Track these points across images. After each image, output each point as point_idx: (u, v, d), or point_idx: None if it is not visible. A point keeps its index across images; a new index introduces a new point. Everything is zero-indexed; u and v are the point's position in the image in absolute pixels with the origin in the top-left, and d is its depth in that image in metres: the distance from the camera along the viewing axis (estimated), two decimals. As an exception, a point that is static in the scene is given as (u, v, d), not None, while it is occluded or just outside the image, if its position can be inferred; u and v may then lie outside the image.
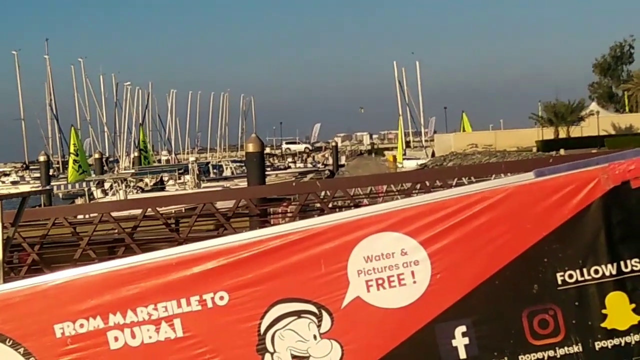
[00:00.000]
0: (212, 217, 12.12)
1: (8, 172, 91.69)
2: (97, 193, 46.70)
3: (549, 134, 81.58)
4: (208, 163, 68.01)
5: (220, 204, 12.72)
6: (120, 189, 42.52)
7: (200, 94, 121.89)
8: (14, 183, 74.92)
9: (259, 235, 4.65)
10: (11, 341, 4.67)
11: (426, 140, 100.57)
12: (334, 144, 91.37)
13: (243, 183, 33.55)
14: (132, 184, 46.03)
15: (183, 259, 4.62)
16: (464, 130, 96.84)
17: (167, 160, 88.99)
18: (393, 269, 4.53)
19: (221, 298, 4.57)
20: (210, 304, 4.57)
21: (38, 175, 60.71)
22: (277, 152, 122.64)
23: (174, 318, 4.59)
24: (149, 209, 11.67)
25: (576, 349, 4.48)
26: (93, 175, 53.87)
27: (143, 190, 45.54)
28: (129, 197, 37.37)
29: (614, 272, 4.50)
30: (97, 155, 62.53)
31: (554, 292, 4.50)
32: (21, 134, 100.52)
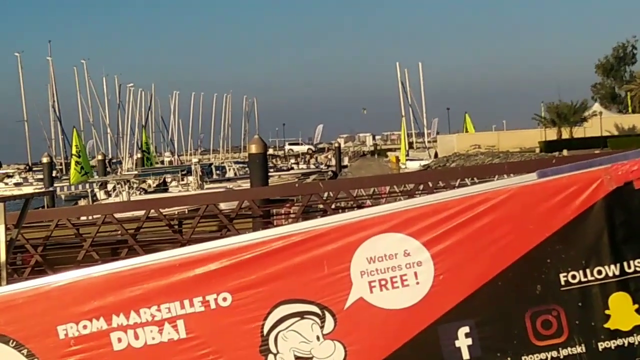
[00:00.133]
0: (215, 218, 12.13)
1: (11, 174, 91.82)
2: (100, 194, 46.71)
3: (551, 134, 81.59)
4: (211, 164, 68.17)
5: (223, 205, 12.74)
6: (123, 191, 42.58)
7: (202, 95, 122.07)
8: (17, 185, 75.08)
9: (262, 237, 4.65)
10: (14, 342, 4.67)
11: (429, 141, 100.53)
12: (336, 145, 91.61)
13: (246, 184, 33.55)
14: (135, 186, 46.10)
15: (186, 260, 4.62)
16: (466, 131, 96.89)
17: (170, 162, 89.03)
18: (396, 269, 4.53)
19: (224, 299, 4.57)
20: (213, 305, 4.57)
21: (41, 176, 60.81)
22: (280, 153, 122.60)
23: (177, 319, 4.59)
24: (152, 210, 11.68)
25: (579, 349, 4.48)
26: (96, 177, 53.93)
27: (146, 192, 45.57)
28: (132, 198, 37.44)
29: (617, 273, 4.49)
30: (100, 157, 62.61)
31: (557, 292, 4.50)
32: (24, 135, 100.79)
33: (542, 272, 4.50)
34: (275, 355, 4.56)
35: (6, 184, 78.90)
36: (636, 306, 4.49)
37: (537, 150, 74.36)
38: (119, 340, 4.60)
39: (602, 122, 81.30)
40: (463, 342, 4.50)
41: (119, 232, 11.87)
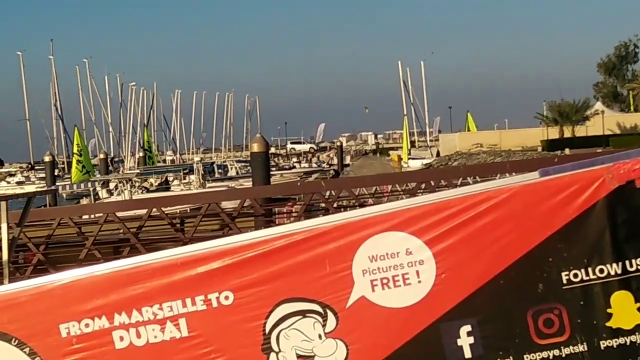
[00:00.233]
0: (217, 217, 12.12)
1: (13, 173, 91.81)
2: (102, 193, 46.73)
3: (554, 133, 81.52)
4: (213, 163, 68.11)
5: (225, 204, 12.74)
6: (125, 189, 42.57)
7: (205, 94, 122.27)
8: (19, 183, 75.13)
9: (264, 235, 4.65)
10: (17, 341, 4.67)
11: (431, 140, 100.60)
12: (338, 143, 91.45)
13: (248, 183, 33.61)
14: (137, 184, 46.10)
15: (188, 258, 4.62)
16: (468, 130, 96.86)
17: (172, 161, 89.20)
18: (398, 268, 4.53)
19: (226, 298, 4.57)
20: (215, 304, 4.58)
21: (43, 175, 60.79)
22: (282, 152, 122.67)
23: (179, 318, 4.59)
24: (154, 209, 11.67)
25: (581, 348, 4.48)
26: (98, 176, 53.95)
27: (148, 191, 45.59)
28: (134, 197, 37.39)
29: (619, 272, 4.49)
30: (102, 156, 62.72)
31: (559, 291, 4.50)
32: (26, 134, 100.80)
33: (544, 270, 4.50)
34: (277, 353, 4.57)
35: (8, 182, 78.94)
36: (638, 305, 4.49)
37: (539, 149, 74.29)
38: (121, 338, 4.61)
39: (604, 121, 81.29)
40: (465, 340, 4.50)
41: (121, 230, 11.87)
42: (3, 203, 5.54)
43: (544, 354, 4.48)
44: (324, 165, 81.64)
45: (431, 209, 4.57)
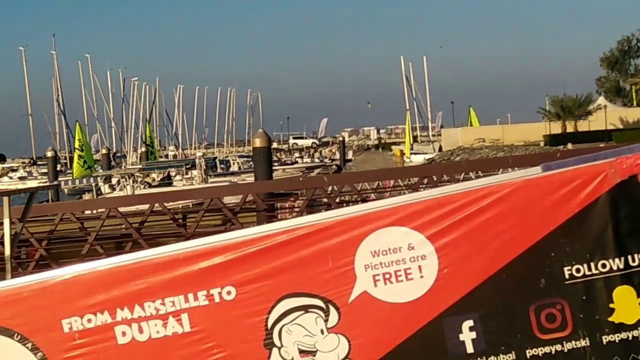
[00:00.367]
0: (219, 212, 12.12)
1: (16, 168, 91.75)
2: (105, 188, 46.68)
3: (556, 128, 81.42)
4: (215, 158, 68.10)
5: (227, 199, 12.74)
6: (127, 185, 42.53)
7: (207, 89, 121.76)
8: (21, 178, 75.02)
9: (266, 230, 4.66)
10: (19, 336, 4.68)
11: (433, 135, 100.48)
12: (341, 138, 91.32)
13: (250, 178, 33.58)
14: (139, 179, 46.07)
15: (190, 254, 4.62)
16: (471, 125, 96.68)
17: (175, 156, 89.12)
18: (400, 263, 4.53)
19: (228, 293, 4.58)
20: (217, 299, 4.58)
21: (45, 170, 60.85)
22: (284, 147, 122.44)
23: (182, 313, 4.60)
24: (157, 204, 11.68)
25: (583, 343, 4.48)
26: (100, 171, 53.95)
27: (150, 186, 45.57)
28: (137, 192, 37.45)
29: (621, 266, 4.49)
30: (104, 151, 62.63)
31: (561, 286, 4.50)
32: (28, 129, 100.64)
33: (547, 265, 4.50)
34: (279, 348, 4.57)
35: (11, 177, 78.86)
36: (640, 299, 4.49)
37: (542, 143, 74.17)
38: (124, 334, 4.61)
39: (606, 115, 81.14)
40: (467, 335, 4.50)
41: (124, 226, 11.87)
42: (5, 198, 5.54)
43: (546, 349, 4.48)
44: (327, 160, 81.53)
45: (433, 204, 4.56)
